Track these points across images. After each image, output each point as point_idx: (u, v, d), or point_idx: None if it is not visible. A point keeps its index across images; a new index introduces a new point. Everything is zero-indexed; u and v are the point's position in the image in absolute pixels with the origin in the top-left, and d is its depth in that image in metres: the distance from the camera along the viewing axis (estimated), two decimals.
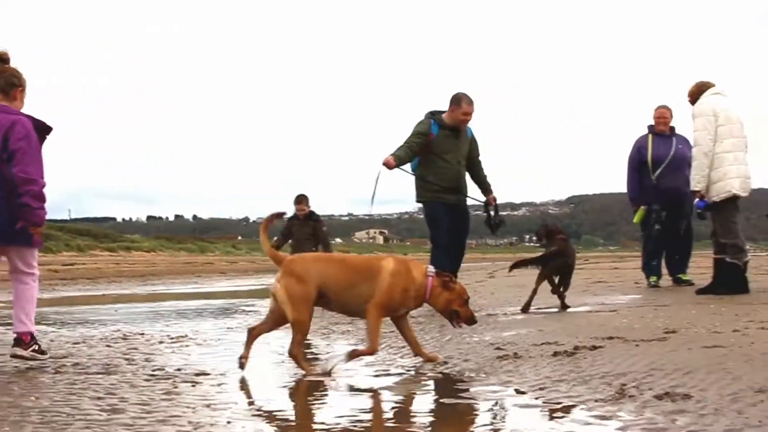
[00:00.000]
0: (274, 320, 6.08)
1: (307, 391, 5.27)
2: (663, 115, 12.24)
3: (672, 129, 12.26)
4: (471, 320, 6.08)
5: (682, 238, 12.19)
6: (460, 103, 10.15)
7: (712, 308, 7.97)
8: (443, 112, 10.33)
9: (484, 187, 10.62)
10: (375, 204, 10.73)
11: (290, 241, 14.05)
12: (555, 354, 5.58)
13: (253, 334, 6.13)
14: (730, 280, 9.84)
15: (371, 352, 5.94)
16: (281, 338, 8.81)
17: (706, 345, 5.28)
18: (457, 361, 5.94)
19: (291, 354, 5.89)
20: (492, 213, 10.59)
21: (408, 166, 10.32)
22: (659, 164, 11.99)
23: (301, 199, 13.97)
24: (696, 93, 10.15)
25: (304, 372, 5.82)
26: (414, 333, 6.27)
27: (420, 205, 10.73)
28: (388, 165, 9.83)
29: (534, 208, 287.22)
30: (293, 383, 5.64)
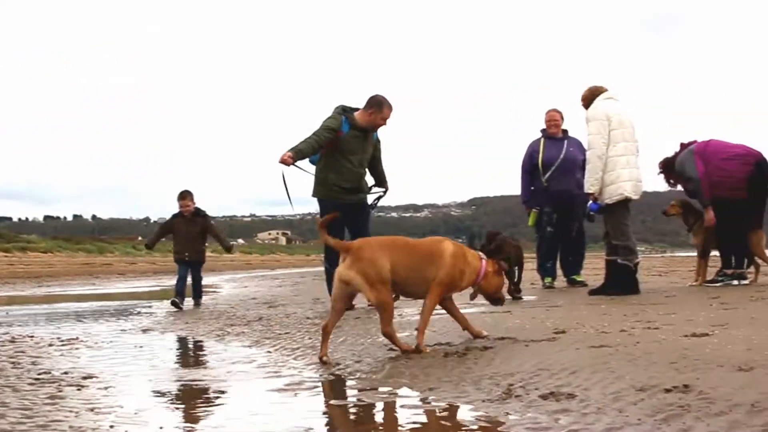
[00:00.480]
0: (341, 309, 6.10)
1: (194, 395, 5.20)
2: (553, 117, 12.45)
3: (564, 132, 12.47)
4: (503, 303, 6.76)
5: (575, 240, 12.40)
6: (382, 107, 9.93)
7: (602, 309, 8.12)
8: (354, 109, 10.12)
9: (380, 179, 10.56)
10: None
11: (174, 239, 13.58)
12: (446, 355, 5.61)
13: (327, 331, 6.06)
14: (621, 281, 10.05)
15: (422, 328, 6.08)
16: (165, 341, 8.72)
17: (594, 345, 5.36)
18: (350, 362, 5.92)
19: (385, 334, 5.95)
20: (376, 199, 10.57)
21: (307, 163, 10.12)
22: (549, 167, 12.19)
23: (185, 195, 13.36)
24: (589, 97, 10.34)
25: (398, 348, 5.94)
26: (461, 312, 6.42)
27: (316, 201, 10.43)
28: (285, 163, 9.51)
29: (436, 210, 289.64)
30: (182, 387, 5.54)
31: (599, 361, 4.72)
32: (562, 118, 12.48)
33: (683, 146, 11.25)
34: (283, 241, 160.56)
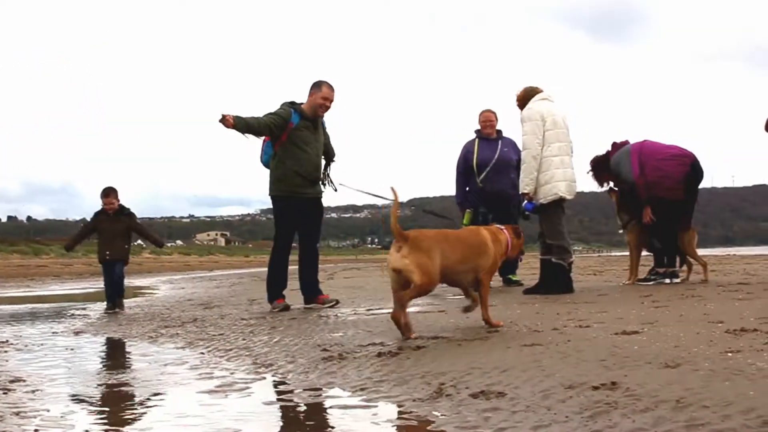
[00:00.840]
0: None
1: (124, 398, 5.12)
2: (488, 118, 12.55)
3: (499, 132, 12.57)
4: (523, 253, 7.71)
5: None
6: (321, 86, 10.00)
7: (536, 307, 8.19)
8: (300, 103, 10.14)
9: (328, 153, 10.48)
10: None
11: (98, 238, 12.98)
12: (379, 354, 5.60)
13: (400, 321, 6.26)
14: (555, 280, 10.16)
15: (486, 306, 6.73)
16: (97, 343, 8.59)
17: (526, 343, 5.40)
18: (283, 363, 5.89)
19: (399, 298, 6.11)
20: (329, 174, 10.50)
21: (258, 142, 10.09)
22: (484, 168, 12.29)
23: (108, 192, 12.88)
24: (524, 98, 10.43)
25: (401, 329, 6.19)
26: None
27: (267, 204, 10.32)
28: (225, 123, 9.30)
29: (376, 211, 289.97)
30: (111, 390, 5.45)
31: (530, 360, 4.75)
32: (497, 118, 12.59)
33: (615, 146, 11.40)
34: (221, 242, 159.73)
